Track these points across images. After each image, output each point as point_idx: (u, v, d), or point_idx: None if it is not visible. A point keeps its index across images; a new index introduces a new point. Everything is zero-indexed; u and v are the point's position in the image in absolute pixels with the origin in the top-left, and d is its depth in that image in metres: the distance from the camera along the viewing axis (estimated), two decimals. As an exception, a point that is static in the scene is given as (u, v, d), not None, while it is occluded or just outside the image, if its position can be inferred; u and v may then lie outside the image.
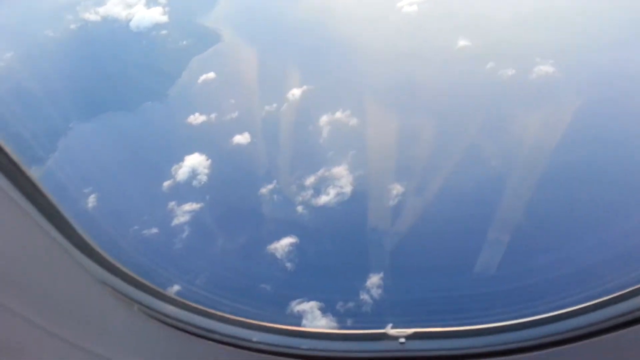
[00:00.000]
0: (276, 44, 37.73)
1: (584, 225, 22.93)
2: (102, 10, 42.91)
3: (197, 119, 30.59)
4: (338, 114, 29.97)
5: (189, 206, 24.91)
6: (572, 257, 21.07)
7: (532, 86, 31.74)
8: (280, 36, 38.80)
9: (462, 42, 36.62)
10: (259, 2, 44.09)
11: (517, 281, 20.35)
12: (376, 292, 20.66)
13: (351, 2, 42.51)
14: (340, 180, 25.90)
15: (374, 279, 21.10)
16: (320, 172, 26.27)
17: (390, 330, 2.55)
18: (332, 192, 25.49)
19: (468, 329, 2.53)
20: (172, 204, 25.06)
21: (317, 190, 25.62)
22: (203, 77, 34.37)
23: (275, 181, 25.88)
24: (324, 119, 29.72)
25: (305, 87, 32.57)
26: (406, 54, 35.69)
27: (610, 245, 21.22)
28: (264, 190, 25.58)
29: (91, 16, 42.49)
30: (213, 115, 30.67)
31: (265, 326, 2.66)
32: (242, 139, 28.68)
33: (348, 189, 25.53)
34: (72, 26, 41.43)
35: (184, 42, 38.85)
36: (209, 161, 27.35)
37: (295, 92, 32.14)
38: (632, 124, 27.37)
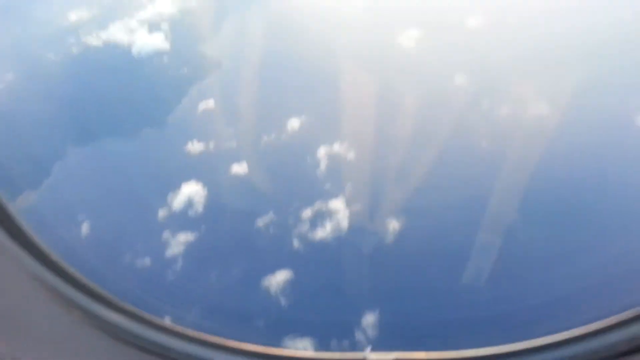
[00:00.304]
0: (276, 75, 38.16)
1: (571, 253, 23.16)
2: (104, 34, 43.26)
3: (195, 146, 30.57)
4: (336, 146, 30.10)
5: (183, 236, 24.64)
6: (560, 283, 21.22)
7: (527, 126, 32.20)
8: (279, 67, 39.27)
9: (458, 79, 37.17)
10: (259, 33, 44.69)
11: (504, 306, 20.34)
12: (372, 331, 20.37)
13: (350, 37, 43.19)
14: (337, 214, 25.81)
15: (370, 317, 20.84)
16: (317, 205, 26.18)
17: (369, 355, 2.38)
18: (329, 225, 25.36)
19: (452, 355, 2.40)
20: (166, 233, 24.79)
21: (314, 223, 25.47)
22: (203, 105, 34.55)
23: (271, 212, 25.75)
24: (322, 150, 29.82)
25: (304, 117, 32.77)
26: (403, 88, 36.14)
27: (597, 273, 21.36)
28: (260, 222, 25.41)
29: (93, 40, 42.79)
30: (211, 144, 30.69)
31: (230, 346, 2.41)
32: (239, 168, 28.64)
33: (345, 223, 25.42)
34: (74, 50, 41.67)
35: (185, 70, 39.13)
36: (206, 190, 27.21)
37: (294, 123, 32.32)
38: (625, 167, 27.74)
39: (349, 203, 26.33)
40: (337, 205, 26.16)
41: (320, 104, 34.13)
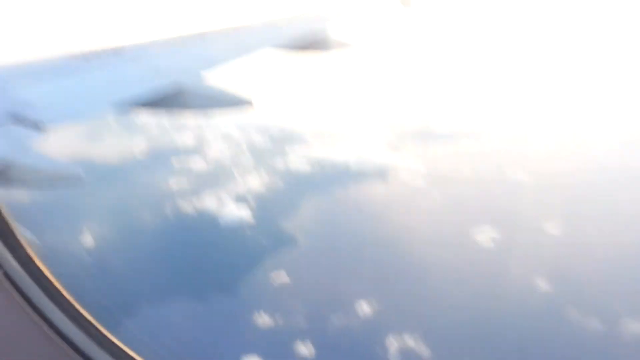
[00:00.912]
0: (350, 257, 38.67)
1: None
2: (196, 201, 47.19)
3: (262, 318, 30.14)
4: (407, 337, 28.45)
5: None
6: None
7: (623, 345, 29.18)
8: (354, 251, 39.94)
9: (541, 283, 35.54)
10: (338, 217, 46.94)
11: None
12: None
13: (427, 227, 44.03)
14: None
15: None
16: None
17: None
18: None
19: None
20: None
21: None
22: (275, 278, 34.94)
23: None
24: (392, 339, 28.22)
25: (374, 302, 31.95)
26: (479, 288, 34.87)
27: None
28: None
29: (186, 205, 46.61)
30: (279, 318, 30.17)
31: None
32: (305, 349, 27.42)
33: None
34: (168, 212, 45.35)
35: (264, 242, 40.75)
36: (268, 369, 25.97)
37: (364, 306, 31.46)
38: None
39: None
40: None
41: (393, 292, 33.43)
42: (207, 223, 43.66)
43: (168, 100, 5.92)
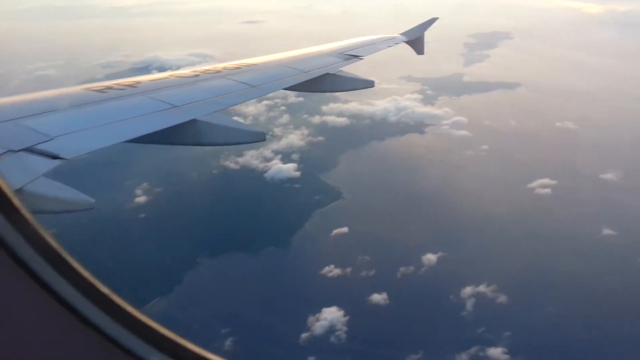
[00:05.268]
0: (394, 207, 38.19)
1: None
2: (241, 160, 46.70)
3: (332, 271, 29.87)
4: (482, 288, 27.97)
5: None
6: None
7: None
8: (403, 203, 39.34)
9: (606, 231, 34.66)
10: (375, 166, 46.31)
11: None
12: None
13: (478, 178, 43.05)
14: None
15: None
16: (472, 350, 23.54)
17: None
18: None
19: None
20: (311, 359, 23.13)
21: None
22: (335, 230, 34.54)
23: (421, 352, 23.42)
24: (467, 290, 27.78)
25: (440, 253, 31.41)
26: (542, 237, 34.13)
27: None
28: (408, 361, 23.08)
29: (231, 164, 46.22)
30: (349, 270, 29.86)
31: None
32: (380, 298, 27.12)
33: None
34: (214, 171, 45.04)
35: (316, 197, 40.25)
36: (347, 318, 25.70)
37: (431, 257, 30.97)
38: None
39: (512, 354, 23.39)
40: (497, 354, 23.33)
41: (453, 243, 32.76)
42: (254, 180, 43.20)
43: (183, 133, 5.99)
